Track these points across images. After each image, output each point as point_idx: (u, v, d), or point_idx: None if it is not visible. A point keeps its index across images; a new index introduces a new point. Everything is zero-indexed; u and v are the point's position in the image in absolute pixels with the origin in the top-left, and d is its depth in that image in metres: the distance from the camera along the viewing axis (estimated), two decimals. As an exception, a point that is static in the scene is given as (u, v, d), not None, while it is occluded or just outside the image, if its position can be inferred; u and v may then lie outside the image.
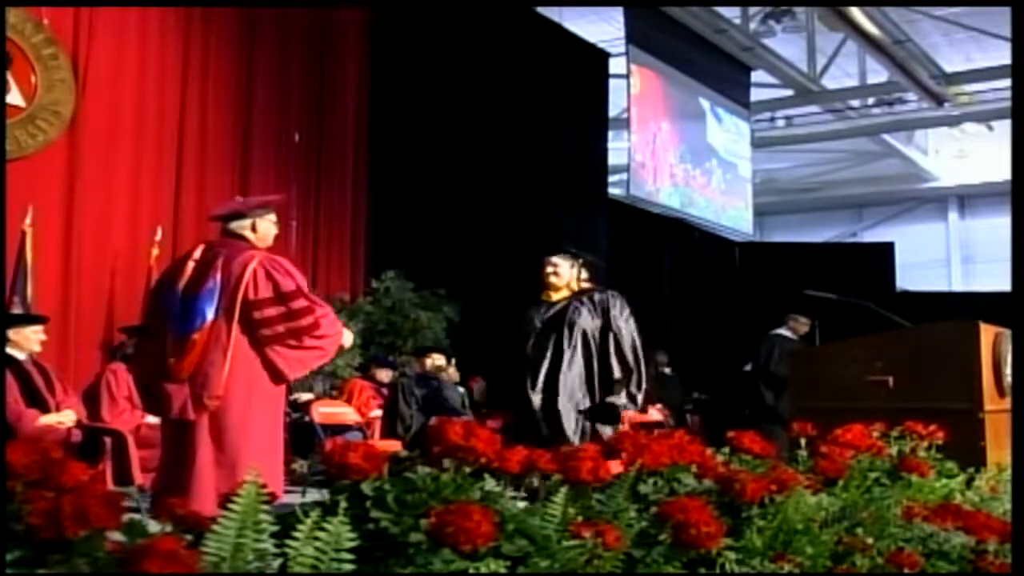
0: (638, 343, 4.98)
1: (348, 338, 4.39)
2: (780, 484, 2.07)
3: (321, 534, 1.44)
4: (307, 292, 4.08)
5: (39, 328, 5.65)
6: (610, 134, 12.66)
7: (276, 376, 4.00)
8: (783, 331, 7.91)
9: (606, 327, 4.93)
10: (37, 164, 6.92)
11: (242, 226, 4.15)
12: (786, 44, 13.36)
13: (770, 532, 1.96)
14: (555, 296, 5.12)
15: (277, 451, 4.12)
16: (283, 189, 8.75)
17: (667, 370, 11.24)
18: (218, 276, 3.95)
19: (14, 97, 6.81)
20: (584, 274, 5.17)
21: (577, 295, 5.08)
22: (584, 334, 4.92)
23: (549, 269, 5.15)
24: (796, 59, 13.58)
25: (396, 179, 9.66)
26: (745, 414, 9.13)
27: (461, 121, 10.10)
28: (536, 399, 4.83)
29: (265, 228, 4.20)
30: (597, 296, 5.05)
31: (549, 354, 4.92)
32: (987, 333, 4.40)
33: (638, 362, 4.93)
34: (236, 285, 3.92)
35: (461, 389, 7.89)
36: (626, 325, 4.96)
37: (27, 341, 5.51)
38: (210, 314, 3.91)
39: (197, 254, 4.11)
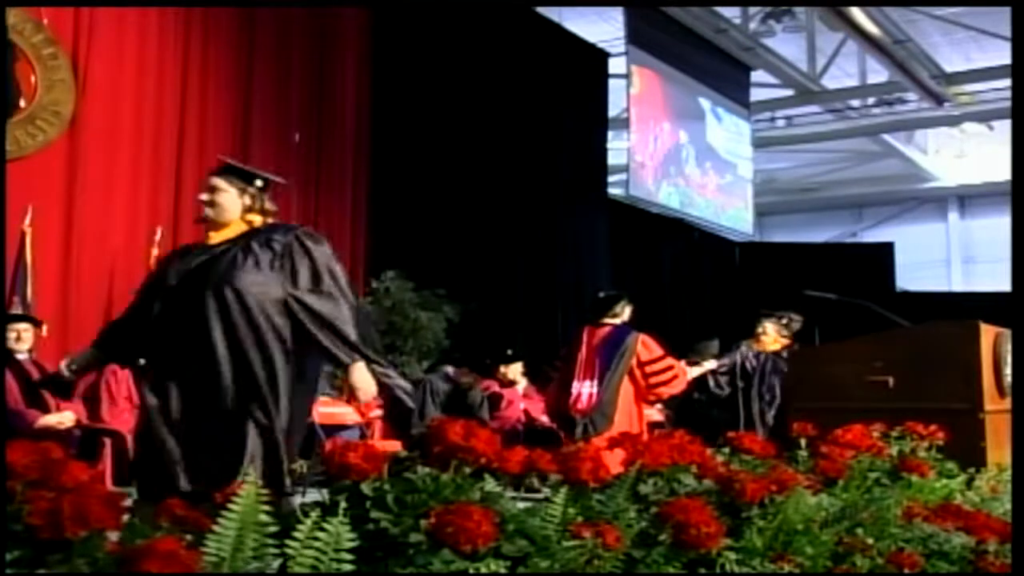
0: (353, 299, 3.27)
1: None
2: (780, 484, 2.07)
3: (321, 534, 1.44)
4: None
5: (19, 327, 5.62)
6: (610, 134, 12.67)
7: None
8: (777, 329, 7.94)
9: (292, 285, 3.18)
10: (37, 164, 6.92)
11: None
12: (786, 44, 13.37)
13: (770, 532, 1.96)
14: (215, 237, 3.35)
15: None
16: (283, 189, 8.74)
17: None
18: None
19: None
20: (272, 207, 3.41)
21: (246, 236, 3.30)
22: (243, 299, 3.11)
23: (204, 196, 3.37)
24: (796, 59, 13.58)
25: (396, 179, 9.66)
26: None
27: (461, 121, 10.10)
28: (153, 404, 3.12)
29: None
30: (278, 238, 3.26)
31: (185, 330, 3.14)
32: (987, 333, 4.39)
33: (367, 331, 3.29)
34: None
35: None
36: (329, 278, 3.22)
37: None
38: None
39: None
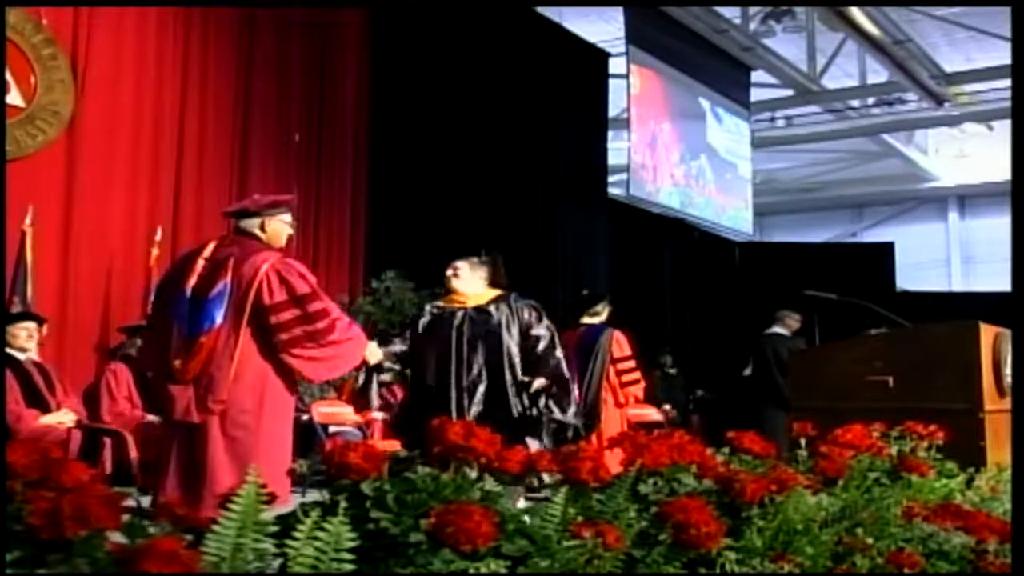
0: None
1: (376, 354, 4.34)
2: (780, 484, 2.07)
3: (321, 534, 1.44)
4: (322, 295, 4.03)
5: (30, 326, 5.62)
6: (610, 134, 12.66)
7: (293, 380, 4.04)
8: (779, 329, 7.93)
9: None
10: (37, 164, 6.92)
11: (251, 224, 4.08)
12: (786, 44, 13.36)
13: (770, 532, 1.96)
14: None
15: (287, 456, 4.09)
16: (283, 189, 8.73)
17: (672, 371, 11.28)
18: (229, 278, 3.87)
19: (13, 97, 6.80)
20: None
21: None
22: None
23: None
24: (796, 59, 13.58)
25: (396, 179, 9.65)
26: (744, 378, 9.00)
27: (461, 121, 10.09)
28: None
29: (276, 228, 4.12)
30: None
31: None
32: (987, 333, 4.40)
33: None
34: (247, 289, 3.85)
35: None
36: None
37: (14, 339, 5.48)
38: (219, 317, 3.83)
39: (208, 252, 4.03)
